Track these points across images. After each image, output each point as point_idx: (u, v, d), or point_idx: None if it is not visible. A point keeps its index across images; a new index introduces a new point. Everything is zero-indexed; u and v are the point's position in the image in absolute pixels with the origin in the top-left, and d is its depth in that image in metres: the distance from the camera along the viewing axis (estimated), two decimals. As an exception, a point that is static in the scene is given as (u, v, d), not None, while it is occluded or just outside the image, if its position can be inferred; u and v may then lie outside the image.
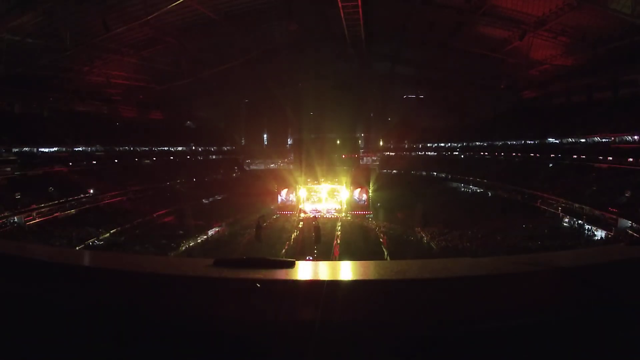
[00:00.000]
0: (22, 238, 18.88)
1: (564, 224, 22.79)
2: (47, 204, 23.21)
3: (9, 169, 23.71)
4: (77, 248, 18.84)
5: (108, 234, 22.66)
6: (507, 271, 1.37)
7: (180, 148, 41.32)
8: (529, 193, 27.34)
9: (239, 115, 48.41)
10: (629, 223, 18.63)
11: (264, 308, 1.08)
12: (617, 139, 24.82)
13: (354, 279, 1.37)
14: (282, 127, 49.24)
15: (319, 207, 33.14)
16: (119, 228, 23.63)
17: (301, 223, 28.82)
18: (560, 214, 23.38)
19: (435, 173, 40.28)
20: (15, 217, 21.02)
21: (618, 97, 27.66)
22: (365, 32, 29.07)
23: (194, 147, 43.00)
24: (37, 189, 23.69)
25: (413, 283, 1.23)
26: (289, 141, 50.32)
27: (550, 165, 29.37)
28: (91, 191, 27.02)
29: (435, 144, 45.30)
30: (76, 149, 30.63)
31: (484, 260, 1.50)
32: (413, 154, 46.83)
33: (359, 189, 36.44)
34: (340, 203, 33.83)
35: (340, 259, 18.94)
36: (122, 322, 1.07)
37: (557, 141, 30.05)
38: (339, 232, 26.48)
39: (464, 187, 35.63)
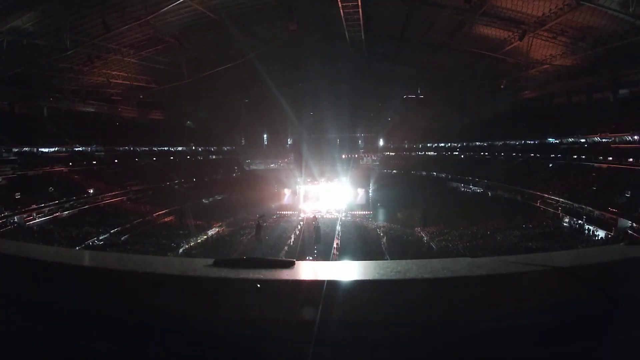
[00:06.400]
0: (22, 238, 18.86)
1: (564, 224, 22.78)
2: (47, 204, 23.20)
3: (9, 169, 23.70)
4: (77, 248, 18.84)
5: (108, 234, 22.64)
6: (507, 271, 1.37)
7: (180, 148, 41.30)
8: (528, 193, 27.33)
9: (239, 115, 48.36)
10: (629, 223, 18.63)
11: (264, 308, 1.08)
12: (617, 139, 24.82)
13: (354, 279, 1.37)
14: (282, 127, 49.20)
15: (318, 206, 33.15)
16: (119, 228, 23.61)
17: (301, 223, 28.82)
18: (560, 214, 23.37)
19: (435, 173, 40.27)
20: (15, 217, 21.01)
21: (618, 97, 27.67)
22: (365, 32, 29.07)
23: (194, 147, 42.99)
24: (37, 189, 23.68)
25: (413, 283, 1.23)
26: (289, 141, 50.30)
27: (550, 165, 29.37)
28: (91, 191, 27.02)
29: (435, 144, 45.28)
30: (76, 149, 30.62)
31: (484, 260, 1.50)
32: (413, 154, 46.82)
33: (358, 189, 36.51)
34: (340, 203, 33.84)
35: (340, 259, 18.94)
36: (122, 322, 1.07)
37: (557, 141, 30.05)
38: (339, 232, 26.48)
39: (464, 187, 35.62)
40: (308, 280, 1.33)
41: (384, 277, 1.32)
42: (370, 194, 35.18)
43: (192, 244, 23.39)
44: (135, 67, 32.32)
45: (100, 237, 21.98)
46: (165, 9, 22.43)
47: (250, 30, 28.88)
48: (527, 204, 26.68)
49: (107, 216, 25.07)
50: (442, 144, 44.34)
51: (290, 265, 1.36)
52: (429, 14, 27.47)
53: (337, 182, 37.23)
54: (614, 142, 24.97)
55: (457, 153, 41.80)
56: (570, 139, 28.73)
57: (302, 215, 31.60)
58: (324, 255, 20.83)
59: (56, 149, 28.76)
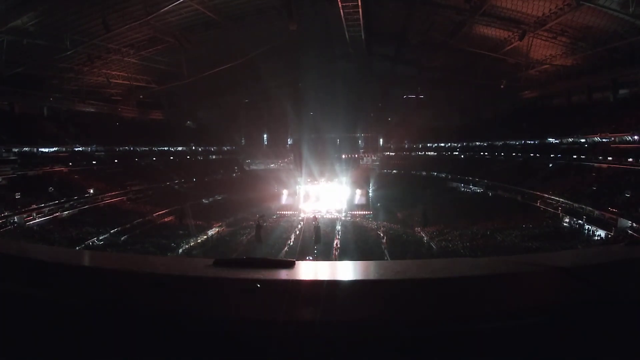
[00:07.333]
0: (22, 238, 18.87)
1: (564, 224, 22.78)
2: (47, 204, 23.20)
3: (9, 169, 23.69)
4: (77, 248, 18.84)
5: (108, 234, 22.64)
6: (507, 271, 1.37)
7: (180, 148, 41.31)
8: (528, 193, 27.33)
9: (239, 115, 48.36)
10: (629, 223, 18.62)
11: (264, 308, 1.08)
12: (617, 139, 24.81)
13: (354, 279, 1.37)
14: (282, 127, 49.22)
15: (318, 207, 33.14)
16: (119, 228, 23.62)
17: (301, 223, 28.82)
18: (560, 214, 23.37)
19: (435, 173, 40.27)
20: (15, 217, 21.01)
21: (618, 97, 27.67)
22: (365, 32, 29.07)
23: (194, 147, 43.01)
24: (37, 189, 23.68)
25: (413, 283, 1.23)
26: (289, 141, 50.31)
27: (550, 165, 29.37)
28: (91, 191, 27.02)
29: (435, 144, 45.29)
30: (76, 149, 30.63)
31: (484, 260, 1.50)
32: (413, 154, 46.83)
33: (358, 189, 36.51)
34: (340, 203, 33.83)
35: (340, 259, 18.93)
36: (122, 322, 1.07)
37: (557, 141, 30.05)
38: (339, 232, 26.47)
39: (464, 187, 35.64)
40: (308, 280, 1.33)
41: (384, 277, 1.32)
42: (370, 194, 35.15)
43: (192, 244, 23.38)
44: (135, 67, 32.34)
45: (100, 237, 21.97)
46: (165, 9, 22.44)
47: (250, 30, 28.87)
48: (527, 204, 26.67)
49: (107, 216, 25.06)
50: (442, 144, 44.34)
51: (290, 265, 1.36)
52: (429, 14, 27.49)
53: (337, 182, 37.22)
54: (614, 142, 24.96)
55: (457, 153, 41.81)
56: (570, 139, 28.72)
57: (302, 215, 31.58)
58: (324, 255, 20.83)
59: (56, 149, 28.76)
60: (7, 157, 24.46)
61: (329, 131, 46.65)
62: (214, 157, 45.08)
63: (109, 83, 32.20)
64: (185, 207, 27.78)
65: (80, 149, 31.01)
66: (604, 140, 25.80)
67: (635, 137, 23.53)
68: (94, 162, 31.18)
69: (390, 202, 33.69)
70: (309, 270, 1.56)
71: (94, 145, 32.15)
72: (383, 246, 22.84)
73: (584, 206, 21.96)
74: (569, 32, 25.05)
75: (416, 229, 26.72)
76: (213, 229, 26.74)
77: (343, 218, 31.17)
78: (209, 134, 45.54)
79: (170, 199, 31.28)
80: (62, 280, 1.31)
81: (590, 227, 20.81)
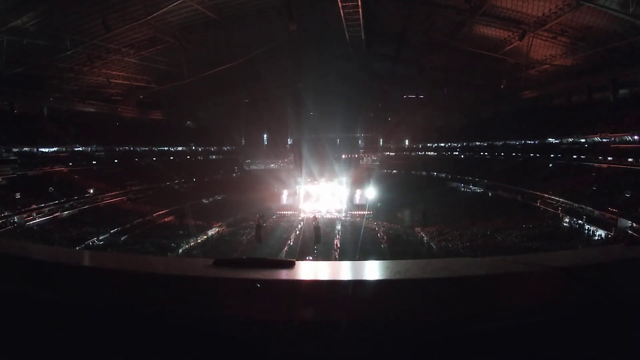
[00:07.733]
0: (22, 238, 18.86)
1: (564, 224, 22.77)
2: (47, 204, 23.19)
3: (9, 169, 23.69)
4: (77, 248, 18.83)
5: (108, 234, 22.64)
6: (507, 271, 1.37)
7: (180, 148, 41.32)
8: (528, 193, 27.33)
9: (239, 115, 48.36)
10: (629, 223, 18.62)
11: (264, 308, 1.08)
12: (617, 139, 24.81)
13: (354, 279, 1.37)
14: (282, 127, 49.21)
15: (318, 206, 33.13)
16: (119, 228, 23.61)
17: (301, 223, 28.82)
18: (560, 214, 23.37)
19: (435, 173, 40.28)
20: (15, 217, 21.00)
21: (618, 97, 27.67)
22: (365, 32, 29.07)
23: (194, 147, 43.01)
24: (37, 189, 23.68)
25: (413, 283, 1.23)
26: (289, 141, 50.30)
27: (550, 165, 29.37)
28: (91, 191, 27.02)
29: (435, 144, 45.29)
30: (76, 149, 30.63)
31: (484, 260, 1.50)
32: (413, 154, 46.83)
33: (358, 189, 36.51)
34: (340, 203, 33.83)
35: (340, 259, 18.93)
36: (122, 322, 1.07)
37: (557, 141, 30.05)
38: (339, 232, 26.47)
39: (464, 187, 35.64)
40: (308, 280, 1.33)
41: (384, 277, 1.32)
42: (370, 194, 35.14)
43: (192, 244, 23.39)
44: (135, 67, 32.33)
45: (100, 237, 21.97)
46: (165, 9, 22.45)
47: (250, 30, 28.87)
48: (527, 204, 26.66)
49: (107, 216, 25.06)
50: (442, 144, 44.34)
51: (290, 265, 1.36)
52: (429, 14, 27.48)
53: (337, 182, 37.24)
54: (614, 142, 24.95)
55: (457, 153, 41.80)
56: (570, 139, 28.72)
57: (302, 215, 31.57)
58: (324, 255, 20.83)
59: (56, 149, 28.76)
60: (7, 157, 24.45)
61: (329, 131, 46.70)
62: (214, 157, 45.08)
63: (109, 83, 32.21)
64: (185, 207, 27.77)
65: (80, 149, 31.01)
66: (604, 140, 25.79)
67: (635, 137, 23.52)
68: (94, 162, 31.18)
69: (390, 202, 33.69)
70: (309, 270, 1.56)
71: (94, 145, 32.15)
72: (383, 246, 22.84)
73: (584, 206, 21.95)
74: (569, 32, 25.05)
75: (416, 229, 26.72)
76: (213, 229, 26.74)
77: (343, 218, 31.17)
78: (209, 134, 45.53)
79: (170, 199, 31.28)
80: (62, 280, 1.31)
81: (590, 227, 20.80)
